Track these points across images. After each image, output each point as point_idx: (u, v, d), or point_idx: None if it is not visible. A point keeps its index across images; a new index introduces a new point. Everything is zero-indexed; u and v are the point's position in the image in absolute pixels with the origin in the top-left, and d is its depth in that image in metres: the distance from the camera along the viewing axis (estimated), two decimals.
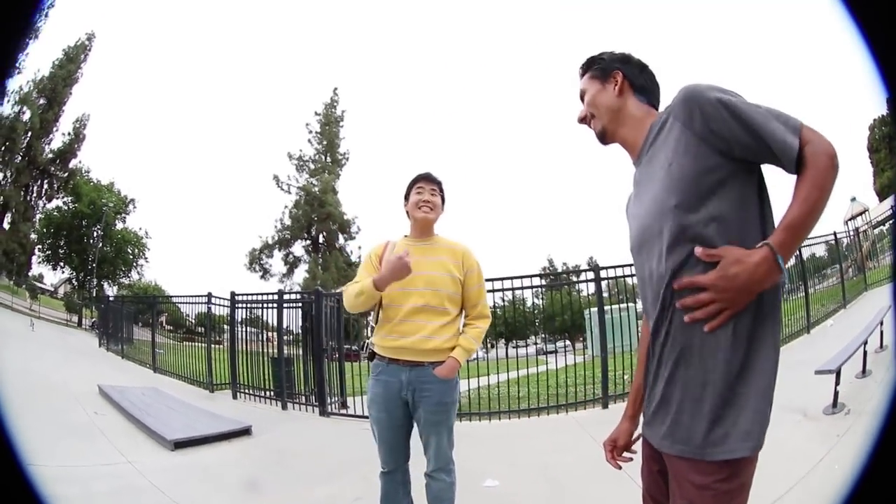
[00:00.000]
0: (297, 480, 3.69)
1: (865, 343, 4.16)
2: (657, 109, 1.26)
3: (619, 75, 1.25)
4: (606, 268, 5.93)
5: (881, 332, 4.73)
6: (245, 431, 4.95)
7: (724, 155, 1.03)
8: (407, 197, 2.31)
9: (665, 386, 1.09)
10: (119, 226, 21.88)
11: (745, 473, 1.00)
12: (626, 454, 1.33)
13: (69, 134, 20.42)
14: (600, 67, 1.28)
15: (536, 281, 6.38)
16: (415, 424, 2.22)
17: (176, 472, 3.80)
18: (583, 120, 1.33)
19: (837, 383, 3.64)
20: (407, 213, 2.31)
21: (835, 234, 8.57)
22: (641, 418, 1.23)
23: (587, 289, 6.20)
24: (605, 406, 5.48)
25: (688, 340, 1.04)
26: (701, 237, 1.02)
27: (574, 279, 7.60)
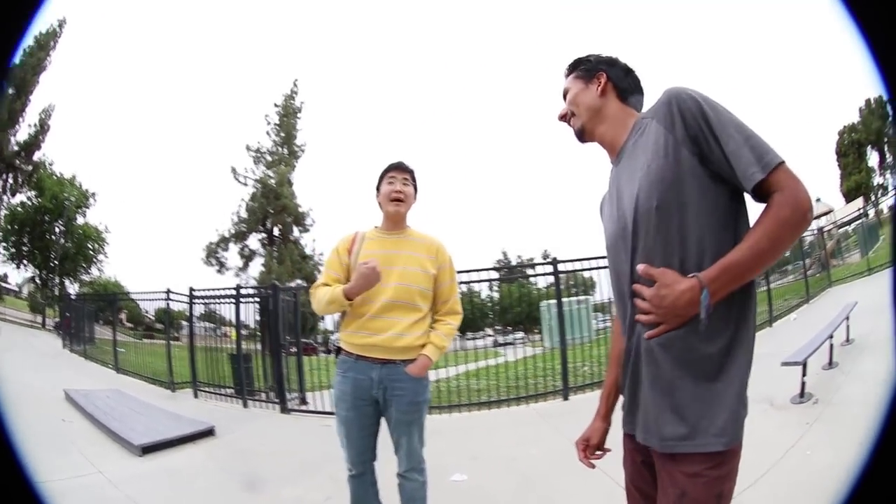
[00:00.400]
0: (266, 482, 3.58)
1: (831, 337, 4.27)
2: (639, 112, 1.26)
3: (602, 76, 1.26)
4: (564, 261, 5.98)
5: (847, 327, 4.87)
6: (209, 432, 4.84)
7: (702, 162, 1.02)
8: (378, 188, 2.21)
9: (645, 382, 1.09)
10: (80, 220, 20.96)
11: (734, 459, 1.02)
12: (597, 452, 1.33)
13: (35, 125, 19.44)
14: (585, 68, 1.29)
15: (495, 274, 6.38)
16: (383, 423, 2.13)
17: (146, 480, 3.68)
18: (563, 118, 1.33)
19: (804, 374, 3.73)
20: (379, 204, 2.21)
21: None
22: (620, 412, 1.23)
23: (544, 281, 6.24)
24: (566, 398, 5.48)
25: (662, 339, 1.04)
26: (675, 240, 1.02)
27: (532, 272, 7.62)
